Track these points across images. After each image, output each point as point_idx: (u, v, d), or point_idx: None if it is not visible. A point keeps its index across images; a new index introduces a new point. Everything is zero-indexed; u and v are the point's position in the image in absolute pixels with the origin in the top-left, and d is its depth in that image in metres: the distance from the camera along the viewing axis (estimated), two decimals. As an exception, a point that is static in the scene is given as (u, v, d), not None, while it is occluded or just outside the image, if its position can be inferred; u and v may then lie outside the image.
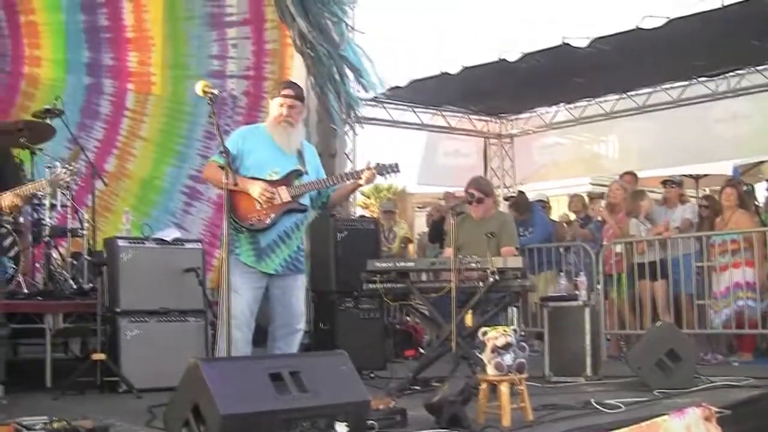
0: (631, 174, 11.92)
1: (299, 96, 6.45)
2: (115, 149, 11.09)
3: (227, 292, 5.63)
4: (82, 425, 4.72)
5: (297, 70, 12.32)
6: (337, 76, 11.69)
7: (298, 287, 6.40)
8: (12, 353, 10.21)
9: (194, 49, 11.44)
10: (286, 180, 6.21)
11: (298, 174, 6.25)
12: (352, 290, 9.00)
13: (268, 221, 6.10)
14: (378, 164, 6.48)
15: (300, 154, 6.35)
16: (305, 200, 6.37)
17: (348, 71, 11.73)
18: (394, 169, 6.51)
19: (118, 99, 11.18)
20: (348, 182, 6.61)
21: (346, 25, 11.63)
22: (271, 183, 6.15)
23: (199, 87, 5.68)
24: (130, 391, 7.28)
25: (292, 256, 6.29)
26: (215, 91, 5.75)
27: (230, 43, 12.03)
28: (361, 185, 6.62)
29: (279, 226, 6.18)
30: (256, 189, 6.08)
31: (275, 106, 6.34)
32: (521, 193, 13.06)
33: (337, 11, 11.60)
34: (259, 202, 6.08)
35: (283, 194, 6.14)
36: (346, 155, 13.44)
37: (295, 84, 6.81)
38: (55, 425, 4.73)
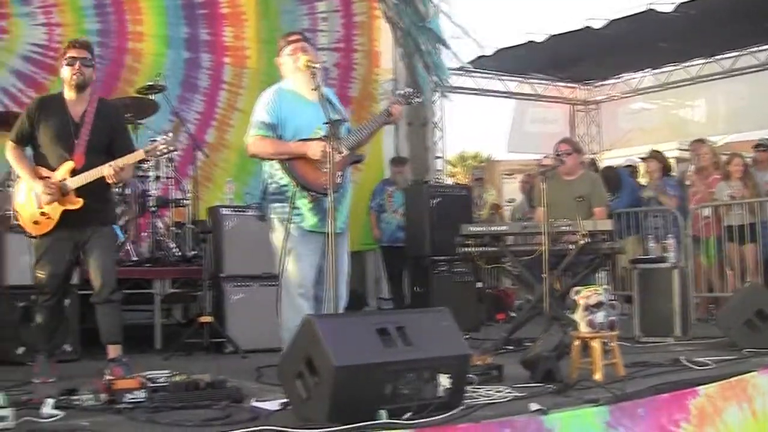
0: (700, 141, 11.79)
1: (304, 36, 6.27)
2: (213, 121, 11.38)
3: (289, 261, 5.84)
4: (201, 378, 5.05)
5: (385, 42, 12.57)
6: (423, 47, 11.88)
7: (347, 247, 6.24)
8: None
9: (285, 23, 11.67)
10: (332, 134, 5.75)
11: (339, 123, 5.85)
12: (446, 255, 9.23)
13: (339, 180, 5.75)
14: (400, 94, 6.39)
15: (329, 101, 5.92)
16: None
17: (433, 43, 11.92)
18: (415, 94, 6.40)
19: (215, 72, 11.47)
20: (380, 123, 6.26)
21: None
22: (320, 141, 5.82)
23: (302, 61, 5.80)
24: (236, 352, 7.63)
25: (348, 212, 6.22)
26: (317, 65, 5.81)
27: (320, 16, 12.28)
28: (392, 122, 6.38)
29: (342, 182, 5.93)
30: (315, 149, 5.82)
31: (288, 58, 6.11)
32: (609, 168, 13.09)
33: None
34: (322, 164, 5.72)
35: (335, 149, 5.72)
36: (435, 124, 13.62)
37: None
38: (177, 378, 5.08)
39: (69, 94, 6.31)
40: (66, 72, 6.25)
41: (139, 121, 8.90)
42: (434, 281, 9.63)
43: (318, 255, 5.96)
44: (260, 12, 11.73)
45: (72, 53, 6.25)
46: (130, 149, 6.37)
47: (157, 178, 8.95)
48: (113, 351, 6.33)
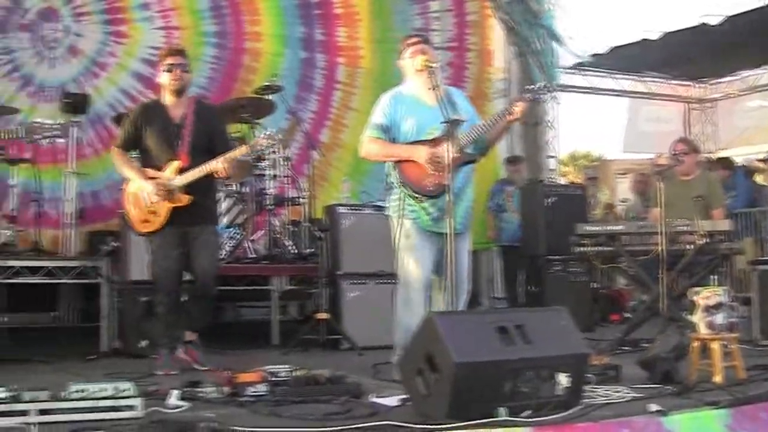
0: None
1: (424, 38, 6.25)
2: (328, 121, 11.53)
3: (405, 259, 5.87)
4: (321, 374, 5.14)
5: (498, 41, 12.55)
6: (536, 46, 11.83)
7: (467, 246, 6.16)
8: (235, 316, 10.90)
9: (398, 23, 11.75)
10: (446, 134, 5.68)
11: (455, 124, 5.69)
12: (561, 254, 9.20)
13: (446, 182, 5.58)
14: (529, 89, 6.29)
15: (446, 100, 5.76)
16: (468, 149, 5.96)
17: (548, 41, 11.86)
18: (544, 89, 6.34)
19: (329, 72, 11.62)
20: (502, 121, 6.05)
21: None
22: (433, 142, 5.80)
23: (419, 61, 5.82)
24: (352, 349, 7.71)
25: (467, 212, 6.13)
26: (435, 65, 5.80)
27: (432, 16, 12.33)
28: (515, 120, 6.10)
29: (454, 183, 5.67)
30: (421, 154, 5.80)
31: (408, 61, 6.06)
32: (724, 158, 12.86)
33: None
34: (429, 167, 5.77)
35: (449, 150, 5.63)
36: (548, 123, 13.54)
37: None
38: (297, 373, 5.17)
39: (169, 99, 6.59)
40: (165, 78, 6.54)
41: (256, 121, 9.05)
42: (549, 281, 9.60)
43: (434, 254, 5.95)
44: (373, 12, 11.83)
45: (170, 60, 6.54)
46: (230, 147, 6.57)
47: (274, 176, 9.09)
48: (190, 335, 6.67)
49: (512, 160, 11.59)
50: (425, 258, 5.92)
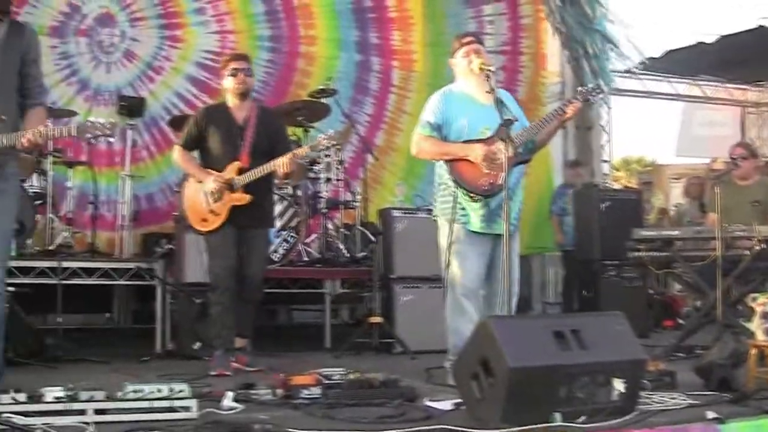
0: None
1: (478, 38, 6.21)
2: (383, 124, 11.52)
3: (454, 262, 5.81)
4: (375, 377, 5.13)
5: (552, 45, 12.48)
6: (590, 50, 11.75)
7: (517, 248, 6.03)
8: (288, 319, 10.96)
9: (452, 27, 11.70)
10: (499, 134, 5.64)
11: (508, 124, 5.58)
12: (616, 259, 9.14)
13: (500, 181, 5.61)
14: (581, 91, 6.18)
15: (500, 102, 5.74)
16: (520, 149, 5.87)
17: (601, 45, 11.78)
18: (596, 90, 6.21)
19: (384, 76, 11.61)
20: (554, 121, 6.02)
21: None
22: (486, 142, 5.78)
23: (476, 64, 5.79)
24: (405, 353, 7.71)
25: (518, 213, 6.05)
26: (492, 68, 5.78)
27: (486, 19, 12.29)
28: (567, 120, 6.12)
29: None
30: (477, 152, 5.75)
31: (462, 60, 6.00)
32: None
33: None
34: (484, 165, 5.74)
35: (502, 149, 5.54)
36: (602, 127, 13.46)
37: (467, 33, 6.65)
38: (351, 376, 5.17)
39: (232, 102, 6.74)
40: (230, 82, 6.69)
41: (310, 125, 9.08)
42: (603, 286, 9.54)
43: (485, 256, 5.92)
44: (427, 16, 11.82)
45: (234, 65, 6.69)
46: (290, 150, 6.68)
47: (328, 180, 9.11)
48: (240, 342, 6.73)
49: (573, 164, 11.54)
50: (475, 261, 5.89)
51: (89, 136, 5.05)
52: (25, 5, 9.94)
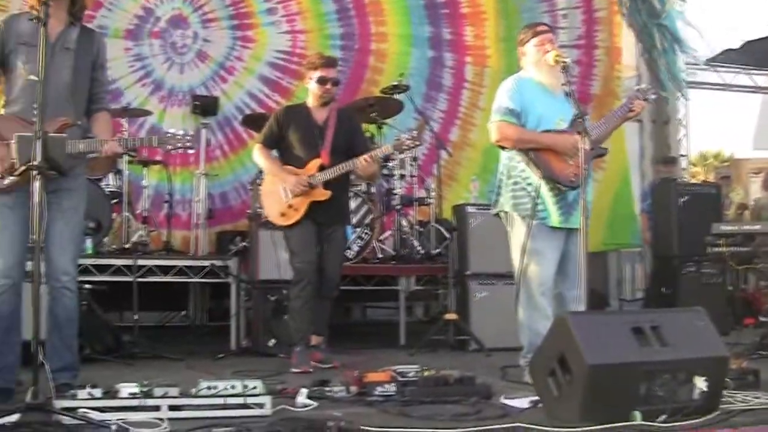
0: None
1: (551, 28, 6.13)
2: (457, 120, 11.45)
3: (530, 259, 5.67)
4: (450, 374, 5.07)
5: (626, 38, 12.31)
6: (658, 45, 11.58)
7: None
8: (362, 316, 10.95)
9: (525, 22, 11.43)
10: (575, 126, 5.52)
11: (581, 116, 5.49)
12: (695, 255, 8.98)
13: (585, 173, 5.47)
14: (638, 89, 6.17)
15: (567, 94, 5.73)
16: None
17: (669, 40, 11.61)
18: (650, 91, 6.15)
19: (457, 71, 11.53)
20: (623, 116, 6.02)
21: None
22: (567, 133, 5.65)
23: (551, 56, 5.67)
24: (480, 350, 7.64)
25: (590, 208, 5.83)
26: (567, 60, 5.66)
27: (560, 13, 12.16)
28: (632, 117, 6.12)
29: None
30: (567, 143, 5.59)
31: (533, 49, 5.90)
32: None
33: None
34: (569, 157, 5.64)
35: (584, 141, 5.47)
36: (679, 121, 13.24)
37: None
38: (426, 373, 5.12)
39: (313, 103, 6.79)
40: (316, 89, 6.73)
41: (383, 121, 9.05)
42: (682, 282, 9.39)
43: (558, 251, 5.81)
44: (500, 11, 11.73)
45: (322, 73, 6.70)
46: (369, 149, 6.74)
47: (402, 176, 9.07)
48: (315, 340, 6.75)
49: (667, 161, 11.40)
50: (551, 257, 5.78)
51: (169, 147, 5.10)
52: (101, 9, 10.07)
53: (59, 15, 4.99)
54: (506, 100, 5.84)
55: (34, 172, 4.29)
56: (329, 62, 6.80)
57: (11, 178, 4.73)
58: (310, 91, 6.81)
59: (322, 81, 6.68)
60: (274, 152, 6.90)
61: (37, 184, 4.28)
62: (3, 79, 5.09)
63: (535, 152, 5.74)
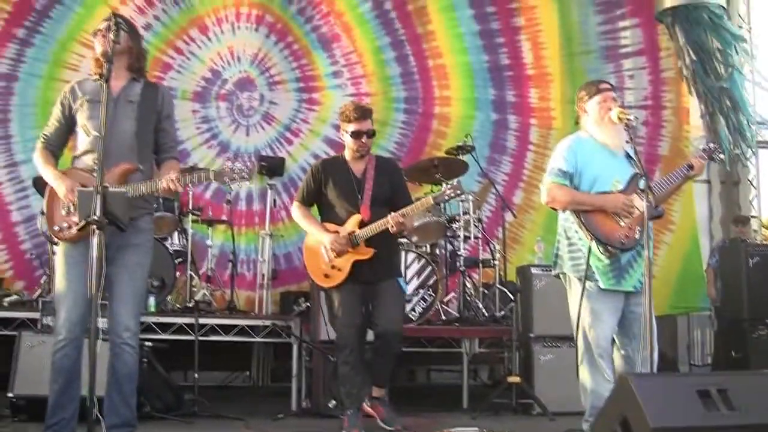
0: None
1: (613, 86, 5.99)
2: (521, 182, 11.43)
3: (587, 321, 5.57)
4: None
5: (694, 98, 12.21)
6: (722, 107, 11.47)
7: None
8: (426, 379, 10.85)
9: (591, 83, 11.58)
10: (632, 186, 5.63)
11: (639, 176, 5.54)
12: (766, 317, 8.80)
13: (636, 236, 5.52)
14: (703, 149, 6.06)
15: (628, 155, 5.78)
16: None
17: (733, 103, 11.49)
18: (717, 151, 6.06)
19: (522, 134, 11.54)
20: (684, 177, 5.92)
21: (737, 52, 11.41)
22: (623, 193, 5.62)
23: (615, 114, 5.59)
24: (544, 414, 7.50)
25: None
26: (631, 117, 5.59)
27: (626, 74, 12.14)
28: (692, 176, 6.01)
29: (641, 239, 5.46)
30: (615, 203, 5.58)
31: (595, 107, 5.80)
32: None
33: (727, 37, 11.41)
34: (621, 218, 5.58)
35: (637, 203, 5.49)
36: (749, 182, 13.03)
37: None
38: (487, 436, 5.04)
39: (350, 155, 6.68)
40: (351, 143, 6.61)
41: (448, 182, 9.01)
42: (752, 345, 9.16)
43: (617, 313, 5.68)
44: (565, 72, 11.75)
45: (356, 126, 6.58)
46: (409, 200, 6.63)
47: (467, 238, 9.00)
48: (377, 392, 6.56)
49: (740, 220, 11.20)
50: (608, 319, 5.65)
51: (227, 180, 5.10)
52: (170, 71, 10.27)
53: (120, 72, 5.13)
54: (560, 161, 5.79)
55: (93, 227, 4.33)
56: (364, 114, 6.62)
57: (75, 229, 4.79)
58: (346, 145, 6.68)
59: (356, 135, 6.55)
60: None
61: (95, 239, 4.32)
62: (72, 137, 5.23)
63: (585, 214, 5.64)
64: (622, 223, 5.55)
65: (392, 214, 6.29)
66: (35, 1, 10.30)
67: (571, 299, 5.78)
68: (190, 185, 5.30)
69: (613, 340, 5.72)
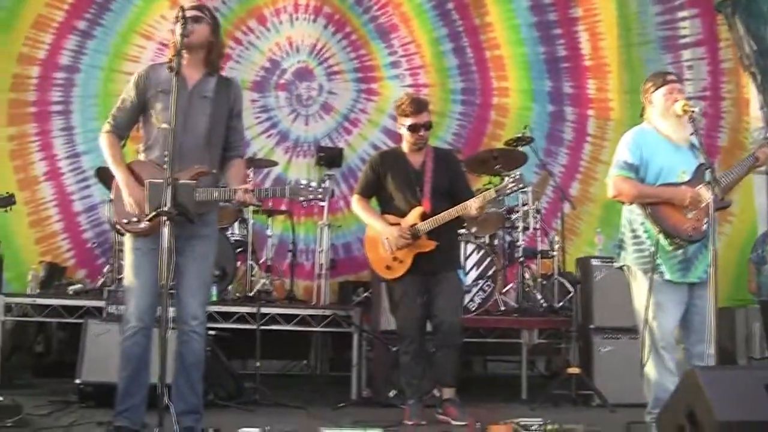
0: None
1: (680, 78, 5.96)
2: (578, 174, 11.37)
3: (651, 313, 5.51)
4: (574, 429, 4.99)
5: (754, 89, 12.09)
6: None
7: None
8: (482, 369, 10.86)
9: (650, 73, 11.45)
10: (698, 178, 5.55)
11: (705, 168, 5.45)
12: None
13: (704, 228, 5.46)
14: (765, 138, 6.02)
15: (693, 145, 5.71)
16: None
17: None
18: None
19: (579, 125, 11.48)
20: (748, 167, 5.87)
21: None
22: (689, 185, 5.56)
23: (679, 106, 5.55)
24: (603, 405, 7.49)
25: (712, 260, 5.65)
26: (696, 109, 5.55)
27: (685, 64, 11.99)
28: (758, 167, 5.97)
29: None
30: (683, 195, 5.52)
31: (661, 98, 5.73)
32: None
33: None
34: (688, 210, 5.51)
35: (704, 193, 5.43)
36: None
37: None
38: (549, 427, 5.05)
39: (408, 148, 6.71)
40: (408, 136, 6.66)
41: (507, 173, 9.00)
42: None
43: (681, 306, 5.63)
44: (624, 63, 11.65)
45: (413, 120, 6.62)
46: (470, 192, 6.66)
47: (525, 229, 9.00)
48: (448, 392, 6.53)
49: None
50: (673, 312, 5.62)
51: (301, 198, 5.16)
52: (229, 61, 10.35)
53: (196, 65, 5.17)
54: (625, 153, 5.75)
55: (164, 218, 4.41)
56: (420, 107, 6.65)
57: (146, 222, 4.86)
58: (404, 138, 6.72)
59: (414, 128, 6.59)
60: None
61: (166, 230, 4.39)
62: (141, 125, 5.28)
63: (652, 206, 5.60)
64: (689, 215, 5.50)
65: (467, 202, 6.31)
66: (96, -7, 10.46)
67: (634, 292, 5.75)
68: (262, 198, 5.36)
69: None
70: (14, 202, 8.16)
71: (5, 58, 10.19)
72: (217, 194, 5.01)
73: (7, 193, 8.14)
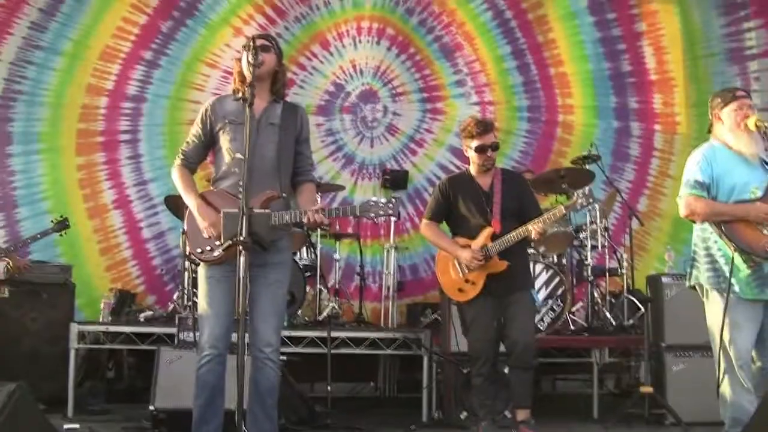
0: None
1: (749, 90, 5.85)
2: (646, 189, 11.30)
3: (727, 333, 5.43)
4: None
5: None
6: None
7: None
8: (551, 388, 10.79)
9: (716, 86, 11.31)
10: None
11: None
12: None
13: None
14: None
15: (763, 161, 5.67)
16: None
17: None
18: None
19: (645, 140, 11.42)
20: None
21: None
22: (760, 201, 5.52)
23: (751, 122, 5.53)
24: (677, 424, 7.39)
25: None
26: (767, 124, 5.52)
27: (752, 76, 11.86)
28: None
29: None
30: (759, 212, 5.49)
31: (731, 114, 5.68)
32: None
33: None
34: (763, 226, 5.48)
35: None
36: None
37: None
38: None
39: (475, 170, 6.69)
40: (475, 158, 6.62)
41: (573, 191, 8.97)
42: None
43: (758, 324, 5.57)
44: (689, 76, 11.58)
45: (480, 141, 6.58)
46: (539, 211, 6.59)
47: (593, 247, 8.96)
48: (522, 414, 6.46)
49: None
50: (748, 330, 5.55)
51: (372, 215, 5.18)
52: (293, 86, 10.45)
53: (262, 94, 5.24)
54: (695, 172, 5.70)
55: (239, 247, 4.46)
56: (486, 128, 6.61)
57: (220, 250, 4.93)
58: (470, 159, 6.70)
59: (480, 149, 6.55)
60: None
61: (242, 259, 4.45)
62: (211, 157, 5.38)
63: (726, 224, 5.55)
64: (765, 231, 5.46)
65: (533, 222, 6.29)
66: (162, 24, 10.61)
67: (708, 311, 5.70)
68: (332, 217, 5.40)
69: None
70: (68, 226, 8.32)
71: (74, 89, 10.39)
72: (288, 217, 5.03)
73: (62, 216, 8.31)
